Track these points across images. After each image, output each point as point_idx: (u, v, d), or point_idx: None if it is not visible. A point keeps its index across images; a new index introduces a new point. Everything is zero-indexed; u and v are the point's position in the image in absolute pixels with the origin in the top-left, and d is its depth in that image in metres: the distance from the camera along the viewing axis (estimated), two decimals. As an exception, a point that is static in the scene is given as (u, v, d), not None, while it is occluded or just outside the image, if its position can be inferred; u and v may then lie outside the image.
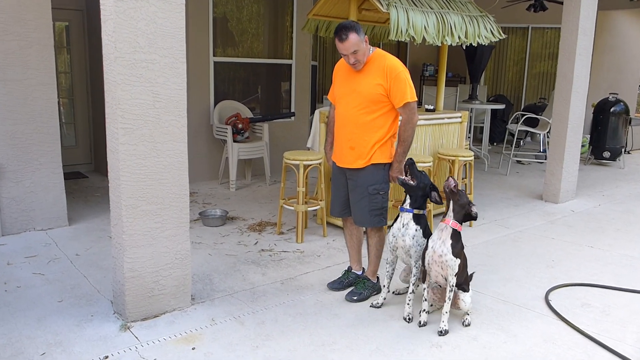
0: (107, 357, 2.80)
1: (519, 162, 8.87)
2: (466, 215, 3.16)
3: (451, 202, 3.16)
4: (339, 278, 3.78)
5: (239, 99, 7.09)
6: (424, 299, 3.26)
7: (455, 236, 3.13)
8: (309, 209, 4.79)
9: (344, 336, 3.10)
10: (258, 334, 3.10)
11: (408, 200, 3.34)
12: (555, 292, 3.81)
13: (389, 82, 3.30)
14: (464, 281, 3.27)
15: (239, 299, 3.54)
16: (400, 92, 3.31)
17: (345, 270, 3.82)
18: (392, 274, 3.51)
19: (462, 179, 5.73)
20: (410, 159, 3.38)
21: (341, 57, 3.50)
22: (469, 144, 8.59)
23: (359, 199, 3.48)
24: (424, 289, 3.27)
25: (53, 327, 3.08)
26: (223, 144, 6.66)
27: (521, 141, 10.32)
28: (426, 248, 3.21)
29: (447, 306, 3.17)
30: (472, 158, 5.21)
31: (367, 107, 3.37)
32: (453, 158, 5.13)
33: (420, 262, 3.29)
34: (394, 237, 3.36)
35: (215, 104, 6.73)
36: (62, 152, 4.74)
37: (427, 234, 3.33)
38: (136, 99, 2.97)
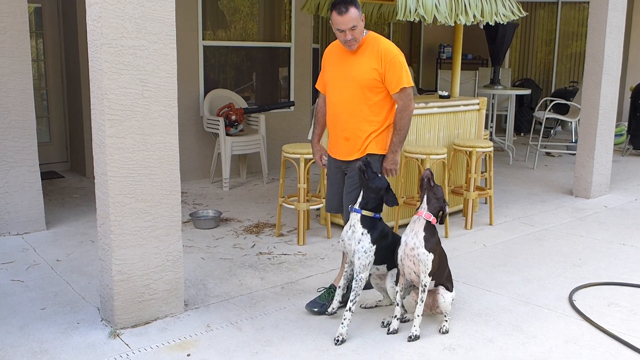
0: (97, 363, 3.05)
1: (548, 154, 9.08)
2: (439, 210, 3.41)
3: (426, 193, 3.41)
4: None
5: (232, 87, 7.33)
6: (396, 303, 3.45)
7: (430, 229, 3.37)
8: (311, 207, 5.02)
9: (349, 340, 3.33)
10: (257, 339, 3.33)
11: (360, 199, 3.45)
12: (580, 292, 4.03)
13: (384, 66, 3.51)
14: (445, 280, 3.50)
15: (236, 304, 3.77)
16: (396, 77, 3.52)
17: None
18: (351, 278, 3.59)
19: (482, 172, 5.94)
20: (366, 158, 3.46)
21: (332, 41, 3.72)
22: (490, 134, 8.81)
23: (351, 190, 3.66)
24: (396, 292, 3.47)
25: (37, 335, 3.32)
26: (214, 137, 6.89)
27: (551, 131, 10.52)
28: (400, 244, 3.41)
29: (419, 309, 3.38)
30: (492, 149, 5.43)
31: (361, 94, 3.57)
32: (470, 149, 5.34)
33: (362, 275, 3.39)
34: (342, 239, 3.50)
35: (206, 93, 6.96)
36: (38, 148, 4.99)
37: (381, 239, 3.43)
38: (124, 88, 3.21)
